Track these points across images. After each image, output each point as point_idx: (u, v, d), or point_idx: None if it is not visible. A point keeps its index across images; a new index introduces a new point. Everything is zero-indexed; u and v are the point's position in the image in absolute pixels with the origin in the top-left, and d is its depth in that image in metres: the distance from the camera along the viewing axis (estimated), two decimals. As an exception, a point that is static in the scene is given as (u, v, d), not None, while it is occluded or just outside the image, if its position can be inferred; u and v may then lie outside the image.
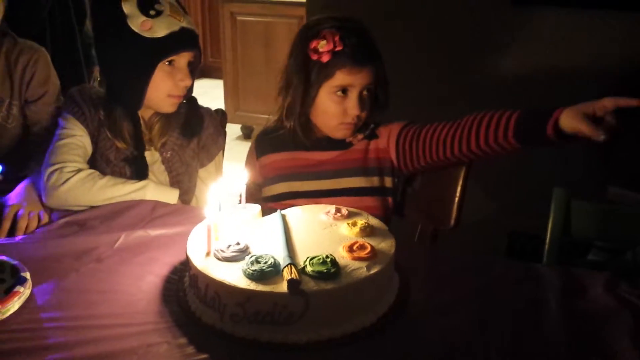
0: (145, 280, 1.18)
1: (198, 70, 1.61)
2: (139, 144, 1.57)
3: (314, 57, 1.43)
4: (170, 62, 1.53)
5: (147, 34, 1.48)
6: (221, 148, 1.74)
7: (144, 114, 1.62)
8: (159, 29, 1.49)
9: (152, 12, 1.49)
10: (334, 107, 1.47)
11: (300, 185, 1.55)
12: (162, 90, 1.54)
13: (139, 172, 1.56)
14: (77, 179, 1.48)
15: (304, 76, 1.45)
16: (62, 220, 1.42)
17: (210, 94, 5.19)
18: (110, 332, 1.03)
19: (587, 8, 2.09)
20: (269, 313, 0.99)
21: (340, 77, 1.43)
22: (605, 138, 1.10)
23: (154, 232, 1.35)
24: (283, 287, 0.98)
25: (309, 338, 1.00)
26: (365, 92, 1.47)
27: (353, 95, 1.46)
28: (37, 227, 1.42)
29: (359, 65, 1.43)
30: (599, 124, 1.13)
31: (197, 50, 1.57)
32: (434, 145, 1.45)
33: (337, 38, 1.41)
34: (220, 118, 1.80)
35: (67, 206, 1.47)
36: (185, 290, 1.13)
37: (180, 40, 1.52)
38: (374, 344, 1.01)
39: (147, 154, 1.58)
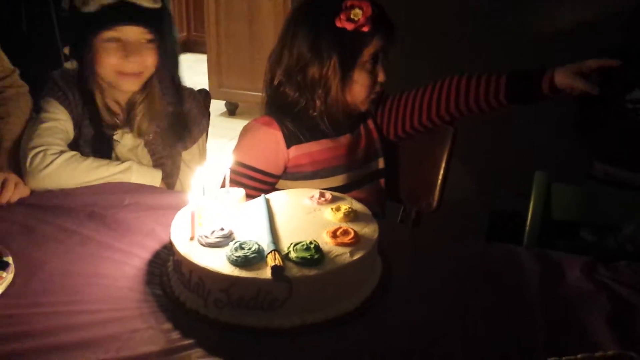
0: (129, 264, 1.18)
1: (164, 46, 1.56)
2: (97, 124, 1.54)
3: (350, 27, 1.36)
4: (114, 39, 1.47)
5: (84, 9, 1.43)
6: (204, 130, 1.72)
7: (118, 96, 1.58)
8: (91, 1, 1.43)
9: None
10: (368, 77, 1.43)
11: (335, 181, 1.50)
12: (108, 68, 1.49)
13: (101, 151, 1.54)
14: (60, 161, 1.45)
15: (337, 52, 1.38)
16: (44, 202, 1.41)
17: (194, 68, 5.12)
18: (94, 318, 1.03)
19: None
20: (253, 299, 1.00)
21: (377, 43, 1.40)
22: (598, 92, 1.27)
23: (137, 215, 1.35)
24: (267, 274, 0.99)
25: (292, 323, 1.01)
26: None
27: (383, 61, 1.43)
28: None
29: (390, 27, 1.41)
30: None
31: (147, 25, 1.49)
32: (417, 109, 1.49)
33: (365, 2, 1.36)
34: (203, 98, 1.78)
35: (49, 188, 1.45)
36: (169, 275, 1.13)
37: (116, 15, 1.44)
38: (356, 328, 1.02)
39: (128, 136, 1.56)
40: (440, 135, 1.64)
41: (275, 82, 1.45)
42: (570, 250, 1.27)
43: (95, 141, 1.54)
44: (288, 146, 1.45)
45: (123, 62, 1.49)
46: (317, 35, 1.39)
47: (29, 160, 1.45)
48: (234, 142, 1.54)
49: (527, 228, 1.43)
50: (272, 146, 1.45)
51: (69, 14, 1.44)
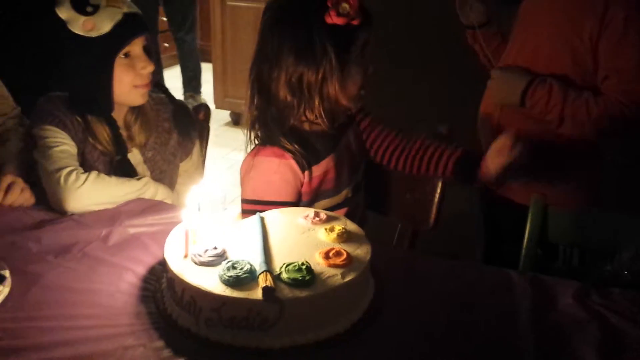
0: (123, 280, 1.19)
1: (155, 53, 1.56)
2: (121, 147, 1.54)
3: (342, 21, 1.32)
4: (125, 54, 1.48)
5: (93, 34, 1.43)
6: (195, 140, 1.72)
7: (117, 113, 1.57)
8: (102, 24, 1.43)
9: (89, 9, 1.43)
10: (360, 70, 1.39)
11: (345, 194, 1.50)
12: (125, 84, 1.50)
13: (125, 175, 1.53)
14: (93, 178, 1.44)
15: (333, 49, 1.33)
16: (41, 217, 1.42)
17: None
18: (87, 334, 1.05)
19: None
20: (244, 318, 1.01)
21: (365, 35, 1.38)
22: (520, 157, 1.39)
23: (133, 230, 1.36)
24: (258, 294, 1.00)
25: (283, 343, 1.02)
26: None
27: (368, 53, 1.41)
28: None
29: (371, 17, 1.38)
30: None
31: (148, 31, 1.51)
32: (380, 151, 1.56)
33: None
34: (204, 112, 1.80)
35: (87, 206, 1.43)
36: (162, 292, 1.14)
37: (129, 28, 1.46)
38: (347, 350, 1.03)
39: (129, 156, 1.57)
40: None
41: (265, 94, 1.39)
42: (566, 274, 1.27)
43: (118, 166, 1.54)
44: (303, 170, 1.40)
45: (138, 75, 1.50)
46: (309, 38, 1.33)
47: (62, 179, 1.42)
48: (237, 152, 1.50)
49: (523, 252, 1.43)
50: (290, 176, 1.39)
51: (83, 40, 1.42)
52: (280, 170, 1.38)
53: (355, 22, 1.33)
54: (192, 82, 4.88)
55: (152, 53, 1.55)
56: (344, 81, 1.36)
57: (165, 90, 1.65)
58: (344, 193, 1.49)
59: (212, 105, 4.40)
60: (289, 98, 1.37)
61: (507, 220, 1.70)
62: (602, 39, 1.51)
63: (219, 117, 4.25)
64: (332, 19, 1.31)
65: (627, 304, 1.15)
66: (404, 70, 2.45)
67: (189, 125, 1.68)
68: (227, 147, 3.59)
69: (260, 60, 1.38)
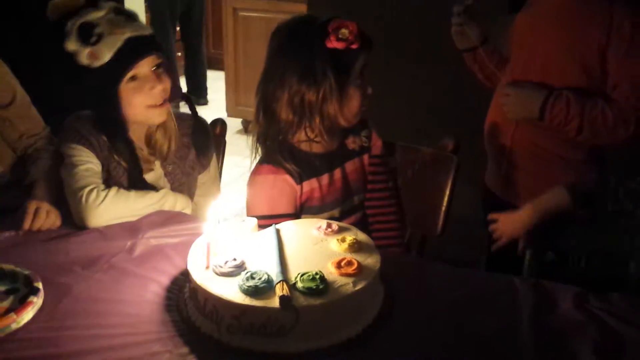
0: (148, 290, 1.27)
1: (171, 66, 1.58)
2: (136, 166, 1.60)
3: (341, 46, 1.41)
4: (133, 77, 1.51)
5: (96, 64, 1.47)
6: (212, 155, 1.78)
7: (139, 131, 1.63)
8: (102, 54, 1.47)
9: (93, 40, 1.47)
10: (358, 91, 1.47)
11: (329, 215, 1.55)
12: (138, 105, 1.54)
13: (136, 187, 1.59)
14: (112, 195, 1.51)
15: (332, 72, 1.42)
16: (67, 229, 1.50)
17: (212, 85, 5.26)
18: (116, 341, 1.12)
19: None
20: (263, 325, 1.08)
21: (364, 58, 1.46)
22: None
23: (155, 242, 1.44)
24: (275, 302, 1.07)
25: (298, 348, 1.09)
26: None
27: (368, 75, 1.48)
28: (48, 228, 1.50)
29: (370, 41, 1.46)
30: None
31: (155, 51, 1.53)
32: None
33: (349, 22, 1.42)
34: (220, 127, 1.87)
35: (108, 222, 1.50)
36: (185, 301, 1.22)
37: (131, 53, 1.49)
38: (358, 354, 1.10)
39: (151, 173, 1.63)
40: (445, 164, 1.72)
41: (269, 112, 1.48)
42: (570, 280, 1.32)
43: (131, 180, 1.59)
44: (298, 183, 1.50)
45: (148, 95, 1.54)
46: (311, 61, 1.42)
47: (83, 198, 1.49)
48: (249, 160, 1.54)
49: (527, 257, 1.49)
50: (288, 189, 1.50)
51: (89, 69, 1.48)
52: (277, 185, 1.49)
53: (354, 46, 1.42)
54: (199, 88, 5.00)
55: (167, 70, 1.58)
56: (343, 101, 1.46)
57: (192, 106, 1.71)
58: (328, 214, 1.55)
59: (224, 114, 4.49)
60: (290, 117, 1.46)
61: None
62: (610, 48, 1.56)
63: (231, 125, 4.25)
64: (332, 43, 1.41)
65: (626, 308, 1.21)
66: (404, 82, 2.52)
67: (207, 140, 1.74)
68: (239, 155, 3.62)
69: (266, 81, 1.48)
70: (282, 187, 1.49)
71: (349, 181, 1.59)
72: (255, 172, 1.53)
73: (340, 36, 1.41)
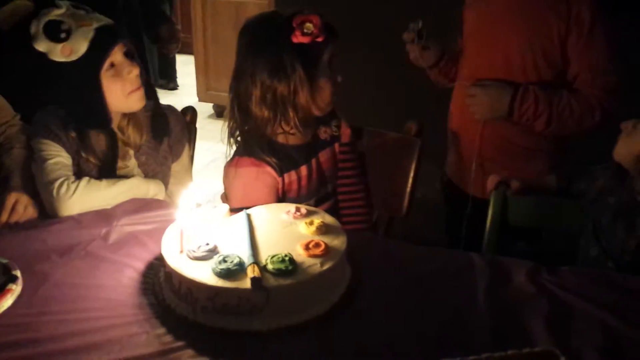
0: (124, 275, 1.32)
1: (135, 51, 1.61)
2: (115, 157, 1.63)
3: (307, 40, 1.46)
4: (110, 64, 1.55)
5: (73, 57, 1.50)
6: (186, 144, 1.83)
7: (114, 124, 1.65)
8: (78, 46, 1.50)
9: (63, 36, 1.49)
10: (328, 81, 1.52)
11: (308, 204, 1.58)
12: (118, 92, 1.57)
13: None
14: (83, 185, 1.55)
15: (301, 66, 1.46)
16: (41, 221, 1.53)
17: (182, 69, 5.25)
18: (95, 324, 1.17)
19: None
20: (235, 306, 1.14)
21: (331, 49, 1.51)
22: None
23: (130, 228, 1.48)
24: (247, 284, 1.13)
25: (269, 326, 1.15)
26: None
27: (336, 65, 1.54)
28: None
29: (336, 32, 1.51)
30: None
31: (123, 38, 1.57)
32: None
33: (312, 16, 1.47)
34: (190, 115, 1.91)
35: (82, 211, 1.54)
36: (161, 285, 1.27)
37: (104, 42, 1.53)
38: (326, 330, 1.16)
39: (123, 163, 1.67)
40: (409, 147, 1.79)
41: (244, 109, 1.53)
42: (530, 255, 1.40)
43: (102, 171, 1.62)
44: (280, 175, 1.55)
45: (128, 80, 1.57)
46: (279, 57, 1.46)
47: (54, 191, 1.53)
48: (221, 144, 1.59)
49: (486, 234, 1.58)
50: (270, 181, 1.55)
51: (67, 64, 1.51)
52: (260, 177, 1.53)
53: (319, 39, 1.47)
54: (169, 72, 4.99)
55: (135, 56, 1.62)
56: (314, 92, 1.50)
57: (155, 96, 1.75)
58: (304, 204, 1.58)
59: (194, 98, 4.49)
60: (265, 113, 1.50)
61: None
62: (570, 37, 1.61)
63: (202, 110, 4.31)
64: (298, 38, 1.46)
65: (575, 280, 1.30)
66: (369, 73, 2.56)
67: (179, 129, 1.78)
68: (211, 140, 3.62)
69: (238, 79, 1.53)
70: (264, 179, 1.54)
71: (323, 170, 1.65)
72: (235, 165, 1.56)
73: (305, 30, 1.45)
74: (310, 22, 1.46)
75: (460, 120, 1.86)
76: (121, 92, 1.59)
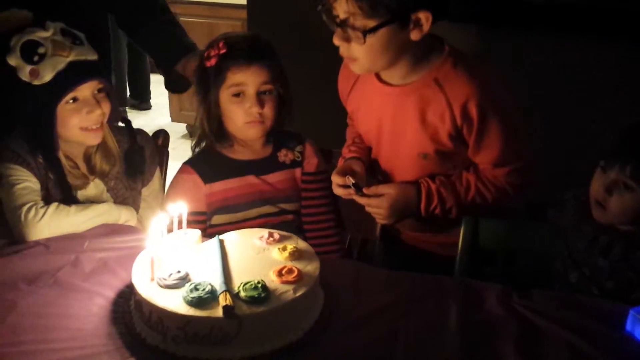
0: (94, 303, 1.29)
1: (114, 94, 1.64)
2: (64, 183, 1.61)
3: (207, 64, 1.60)
4: (73, 98, 1.54)
5: (36, 82, 1.50)
6: (157, 169, 1.82)
7: (77, 150, 1.65)
8: (44, 73, 1.50)
9: (35, 59, 1.50)
10: (235, 108, 1.60)
11: (243, 215, 1.68)
12: (72, 127, 1.57)
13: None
14: (51, 211, 1.53)
15: (203, 87, 1.63)
16: (12, 248, 1.50)
17: (155, 89, 5.21)
18: (64, 355, 1.15)
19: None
20: (207, 335, 1.13)
21: (232, 77, 1.58)
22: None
23: (100, 255, 1.46)
24: (219, 312, 1.12)
25: (242, 354, 1.14)
26: (264, 92, 1.61)
27: (250, 94, 1.59)
28: None
29: (246, 62, 1.57)
30: None
31: (98, 76, 1.58)
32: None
33: (221, 43, 1.59)
34: (162, 138, 1.90)
35: (50, 236, 1.52)
36: (131, 313, 1.25)
37: (71, 76, 1.52)
38: (300, 357, 1.16)
39: (92, 184, 1.66)
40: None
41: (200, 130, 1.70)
42: (500, 279, 1.41)
43: (64, 198, 1.61)
44: (205, 183, 1.67)
45: (85, 118, 1.57)
46: (199, 79, 1.67)
47: (22, 216, 1.51)
48: None
49: (458, 257, 1.59)
50: (194, 188, 1.67)
51: (30, 87, 1.50)
52: (185, 183, 1.68)
53: (211, 63, 1.59)
54: (142, 92, 4.96)
55: (111, 94, 1.62)
56: (223, 116, 1.64)
57: (129, 126, 1.75)
58: (242, 215, 1.68)
59: (168, 118, 4.47)
60: (207, 129, 1.67)
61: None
62: (463, 130, 1.52)
63: (175, 130, 4.32)
64: (203, 62, 1.63)
65: (545, 303, 1.31)
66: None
67: (150, 152, 1.78)
68: (184, 160, 3.68)
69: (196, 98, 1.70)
70: (189, 186, 1.67)
71: (274, 189, 1.70)
72: (177, 171, 1.73)
73: (206, 54, 1.61)
74: (212, 46, 1.60)
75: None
76: (75, 127, 1.58)
